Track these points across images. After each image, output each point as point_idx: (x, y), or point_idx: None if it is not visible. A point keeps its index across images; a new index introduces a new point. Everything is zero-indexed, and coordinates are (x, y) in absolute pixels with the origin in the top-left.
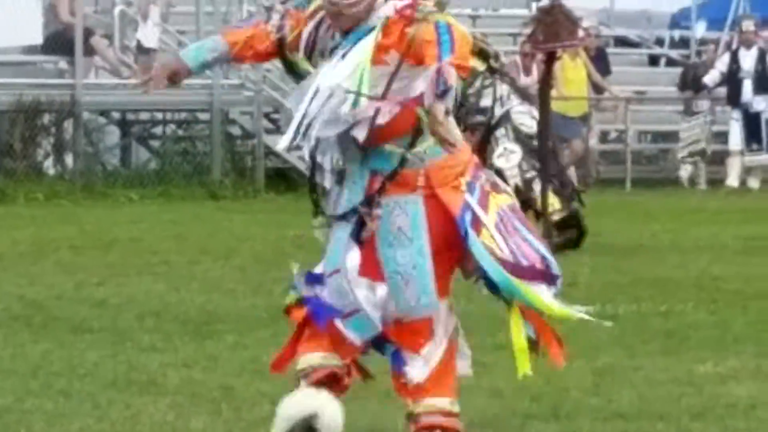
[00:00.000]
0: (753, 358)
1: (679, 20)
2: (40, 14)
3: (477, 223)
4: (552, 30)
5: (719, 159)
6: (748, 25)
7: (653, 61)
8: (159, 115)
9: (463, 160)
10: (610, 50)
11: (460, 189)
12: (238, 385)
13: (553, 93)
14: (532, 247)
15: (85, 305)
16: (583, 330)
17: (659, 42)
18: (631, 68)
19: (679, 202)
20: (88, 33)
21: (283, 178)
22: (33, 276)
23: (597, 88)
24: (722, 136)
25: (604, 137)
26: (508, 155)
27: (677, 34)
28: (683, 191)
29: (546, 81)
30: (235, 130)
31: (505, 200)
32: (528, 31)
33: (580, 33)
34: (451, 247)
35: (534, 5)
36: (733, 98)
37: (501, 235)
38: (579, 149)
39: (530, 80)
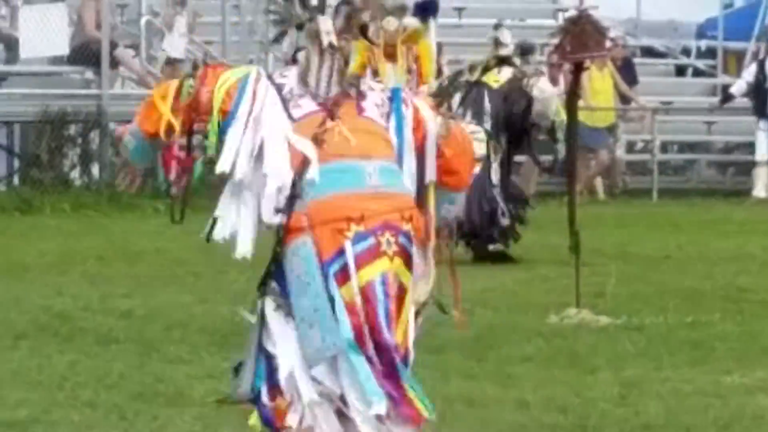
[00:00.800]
0: None
1: (705, 30)
2: (66, 25)
3: (343, 275)
4: (580, 40)
5: (746, 170)
6: None
7: (680, 71)
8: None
9: (361, 207)
10: (636, 60)
11: (343, 233)
12: None
13: (580, 103)
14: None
15: (112, 316)
16: (610, 341)
17: (686, 52)
18: (657, 78)
19: (705, 213)
20: (113, 44)
21: None
22: (59, 287)
23: (624, 99)
24: (749, 147)
25: (630, 147)
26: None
27: (704, 44)
28: (709, 202)
29: (574, 91)
30: None
31: (407, 278)
32: (555, 41)
33: (608, 43)
34: None
35: (561, 15)
36: (760, 108)
37: (366, 298)
38: (606, 160)
39: (557, 91)
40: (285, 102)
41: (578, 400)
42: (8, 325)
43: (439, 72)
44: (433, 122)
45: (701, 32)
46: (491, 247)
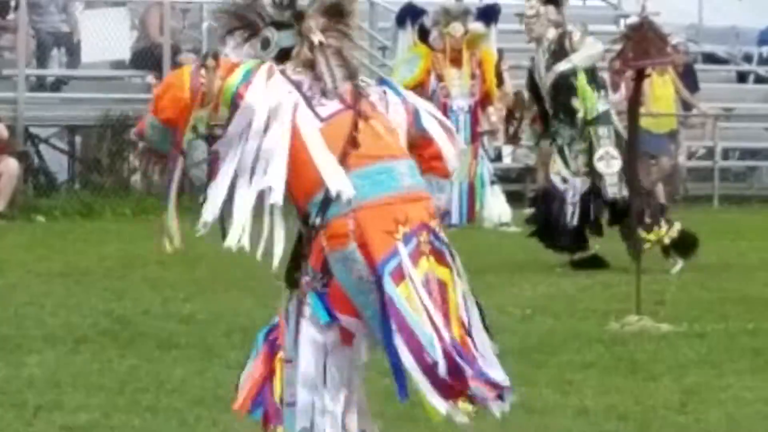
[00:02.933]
0: None
1: (767, 37)
2: (128, 29)
3: (399, 273)
4: (641, 47)
5: None
6: None
7: (741, 77)
8: None
9: (405, 209)
10: (698, 66)
11: (393, 235)
12: None
13: (642, 110)
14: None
15: (172, 321)
16: (671, 348)
17: (747, 58)
18: (719, 85)
19: (766, 220)
20: (175, 49)
21: None
22: (120, 291)
23: (685, 105)
24: None
25: (692, 154)
26: (609, 160)
27: (766, 50)
28: None
29: (635, 98)
30: None
31: (442, 273)
32: (617, 47)
33: (669, 50)
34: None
35: (623, 22)
36: None
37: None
38: (667, 166)
39: (618, 97)
40: (309, 100)
41: (638, 407)
42: (69, 328)
43: (500, 78)
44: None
45: (763, 39)
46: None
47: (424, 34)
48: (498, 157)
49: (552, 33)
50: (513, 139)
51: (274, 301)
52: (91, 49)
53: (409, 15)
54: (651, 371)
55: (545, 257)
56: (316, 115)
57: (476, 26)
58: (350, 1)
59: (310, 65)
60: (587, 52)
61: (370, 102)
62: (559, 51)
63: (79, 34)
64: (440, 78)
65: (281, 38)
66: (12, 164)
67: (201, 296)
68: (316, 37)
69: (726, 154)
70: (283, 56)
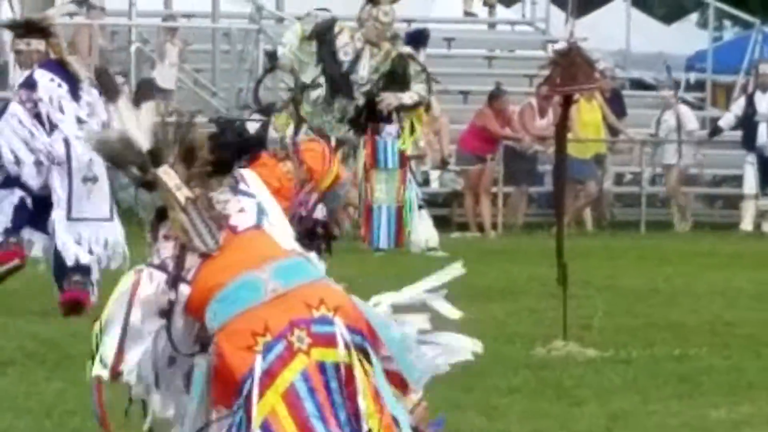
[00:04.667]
0: (767, 404)
1: (694, 63)
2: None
3: (261, 386)
4: (569, 72)
5: (734, 203)
6: (765, 69)
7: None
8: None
9: (264, 318)
10: (625, 92)
11: (252, 349)
12: None
13: (569, 135)
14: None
15: None
16: (597, 374)
17: (675, 84)
18: (646, 111)
19: (692, 245)
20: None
21: None
22: (47, 313)
23: (612, 131)
24: (736, 180)
25: (619, 179)
26: None
27: (693, 76)
28: (697, 235)
29: (563, 123)
30: None
31: (334, 355)
32: (545, 73)
33: (597, 75)
34: None
35: (550, 47)
36: (749, 142)
37: (290, 403)
38: (593, 191)
39: (545, 122)
40: (176, 280)
41: None
42: None
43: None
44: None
45: (690, 65)
46: None
47: None
48: (425, 182)
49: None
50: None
51: None
52: (20, 71)
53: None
54: (577, 396)
55: (473, 281)
56: (185, 282)
57: (403, 49)
58: (200, 144)
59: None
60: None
61: (230, 228)
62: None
63: (8, 56)
64: None
65: (155, 199)
66: None
67: None
68: (181, 195)
69: (653, 179)
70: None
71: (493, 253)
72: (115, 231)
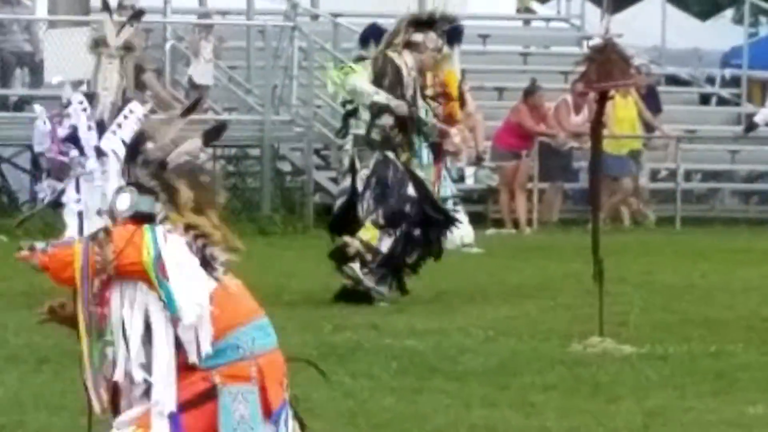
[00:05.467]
0: None
1: (730, 59)
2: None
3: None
4: (605, 69)
5: (766, 198)
6: None
7: (704, 99)
8: (209, 150)
9: (283, 365)
10: (661, 89)
11: (282, 387)
12: None
13: (604, 131)
14: None
15: None
16: (633, 370)
17: (710, 80)
18: (682, 107)
19: (728, 242)
20: (139, 69)
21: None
22: None
23: (648, 127)
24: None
25: (654, 176)
26: None
27: (728, 72)
28: (732, 231)
29: (598, 120)
30: (285, 166)
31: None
32: (580, 69)
33: (632, 72)
34: None
35: (585, 43)
36: None
37: None
38: (629, 188)
39: (581, 119)
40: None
41: (601, 429)
42: (31, 349)
43: (462, 98)
44: None
45: (726, 61)
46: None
47: None
48: (461, 178)
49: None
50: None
51: None
52: (54, 69)
53: (373, 36)
54: (613, 393)
55: (508, 278)
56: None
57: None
58: (208, 171)
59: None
60: None
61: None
62: None
63: (42, 53)
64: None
65: (139, 202)
66: None
67: None
68: (187, 219)
69: (688, 176)
70: (137, 217)
71: (528, 249)
72: None
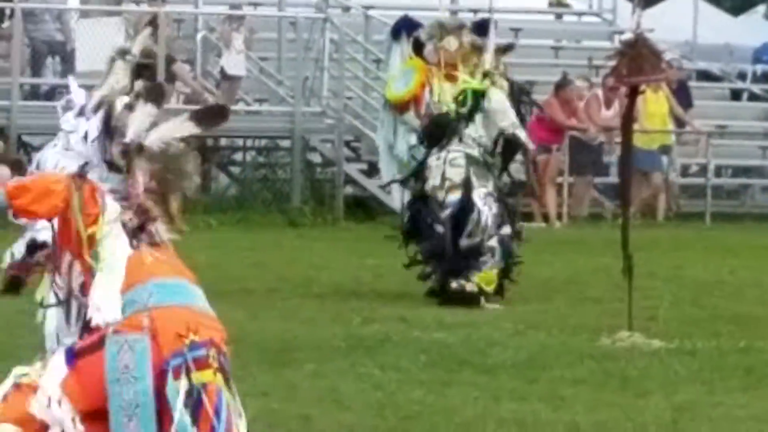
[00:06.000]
0: None
1: (761, 54)
2: (122, 39)
3: (178, 371)
4: (636, 64)
5: None
6: None
7: (735, 95)
8: (239, 142)
9: (196, 320)
10: (692, 84)
11: (182, 339)
12: (316, 415)
13: (635, 126)
14: None
15: None
16: (662, 365)
17: (741, 76)
18: (713, 102)
19: (758, 238)
20: (170, 59)
21: (362, 206)
22: None
23: (679, 122)
24: None
25: (684, 171)
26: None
27: (760, 68)
28: (762, 227)
29: (629, 115)
30: (316, 158)
31: (228, 396)
32: (611, 64)
33: (664, 66)
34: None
35: (617, 38)
36: None
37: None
38: (659, 182)
39: (611, 113)
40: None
41: (629, 423)
42: None
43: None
44: None
45: (757, 56)
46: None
47: (419, 48)
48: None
49: None
50: None
51: (265, 313)
52: (85, 58)
53: (404, 28)
54: (642, 388)
55: (537, 272)
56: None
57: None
58: (180, 159)
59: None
60: None
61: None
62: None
63: (74, 42)
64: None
65: (108, 179)
66: (5, 172)
67: None
68: (140, 189)
69: (719, 171)
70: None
71: (558, 243)
72: None
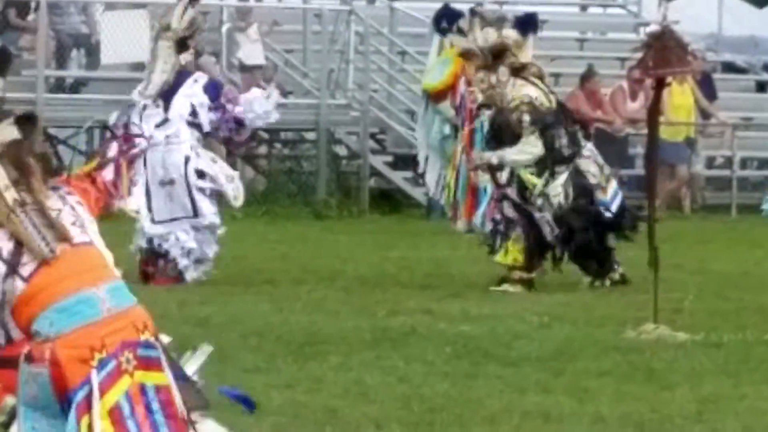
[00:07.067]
0: None
1: None
2: (148, 31)
3: (85, 404)
4: (662, 56)
5: None
6: None
7: (760, 87)
8: (265, 134)
9: (101, 335)
10: (717, 76)
11: (89, 363)
12: (341, 407)
13: (660, 118)
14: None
15: (189, 324)
16: (688, 357)
17: (766, 68)
18: (738, 94)
19: None
20: (195, 52)
21: (387, 198)
22: (137, 294)
23: (704, 114)
24: None
25: (710, 163)
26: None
27: None
28: None
29: (655, 107)
30: (341, 150)
31: (158, 378)
32: (638, 56)
33: (689, 58)
34: None
35: (642, 30)
36: None
37: (115, 420)
38: (684, 175)
39: (637, 105)
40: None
41: (655, 416)
42: None
43: None
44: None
45: None
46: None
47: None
48: None
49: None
50: None
51: (290, 305)
52: (110, 51)
53: (446, 17)
54: (667, 380)
55: (563, 264)
56: (21, 277)
57: (509, 33)
58: (29, 149)
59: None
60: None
61: (71, 243)
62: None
63: (99, 35)
64: (470, 83)
65: None
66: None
67: (217, 300)
68: (10, 196)
69: (744, 163)
70: None
71: None
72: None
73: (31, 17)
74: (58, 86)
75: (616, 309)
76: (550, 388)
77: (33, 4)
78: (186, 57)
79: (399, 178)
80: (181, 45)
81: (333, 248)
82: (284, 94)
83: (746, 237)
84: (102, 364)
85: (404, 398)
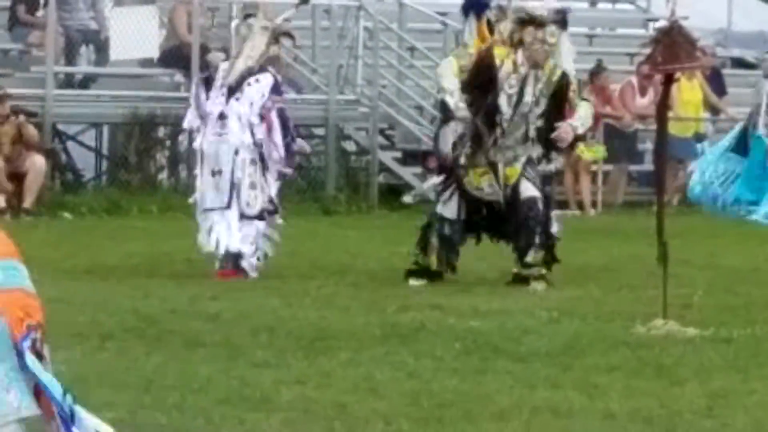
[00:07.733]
0: None
1: None
2: (157, 28)
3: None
4: (671, 51)
5: None
6: None
7: None
8: None
9: (28, 303)
10: (726, 71)
11: (24, 322)
12: (351, 403)
13: (669, 114)
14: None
15: (199, 319)
16: (697, 353)
17: None
18: (747, 90)
19: None
20: (204, 48)
21: (396, 194)
22: (146, 289)
23: (713, 109)
24: None
25: None
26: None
27: None
28: None
29: (664, 102)
30: (350, 146)
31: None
32: (646, 51)
33: (699, 54)
34: None
35: (651, 25)
36: None
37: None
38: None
39: (646, 101)
40: None
41: (664, 411)
42: (95, 326)
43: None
44: None
45: None
46: None
47: (491, 29)
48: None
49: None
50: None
51: (299, 301)
52: (119, 47)
53: (473, 7)
54: (677, 375)
55: (572, 260)
56: None
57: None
58: None
59: None
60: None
61: None
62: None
63: (108, 31)
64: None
65: None
66: (39, 161)
67: (227, 295)
68: None
69: None
70: None
71: (592, 231)
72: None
73: (40, 13)
74: (68, 82)
75: (625, 304)
76: (559, 384)
77: (42, 1)
78: (275, 50)
79: (408, 173)
80: (275, 38)
81: (342, 244)
82: (298, 91)
83: (756, 232)
84: (29, 330)
85: (413, 394)
